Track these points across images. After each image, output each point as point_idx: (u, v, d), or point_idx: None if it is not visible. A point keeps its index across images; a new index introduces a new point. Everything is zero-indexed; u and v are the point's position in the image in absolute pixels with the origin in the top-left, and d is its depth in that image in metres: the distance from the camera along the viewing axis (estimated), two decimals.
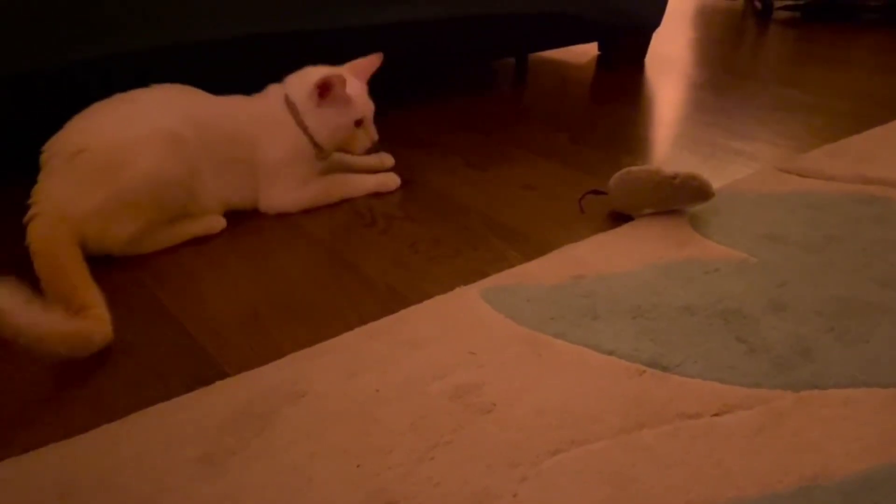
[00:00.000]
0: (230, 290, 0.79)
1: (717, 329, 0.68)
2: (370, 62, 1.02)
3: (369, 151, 1.03)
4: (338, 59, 1.01)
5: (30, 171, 0.83)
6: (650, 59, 1.75)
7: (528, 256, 0.84)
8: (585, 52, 1.81)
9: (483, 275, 0.80)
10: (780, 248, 0.83)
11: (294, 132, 0.96)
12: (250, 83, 0.99)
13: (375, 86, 1.02)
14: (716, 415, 0.58)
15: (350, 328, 0.71)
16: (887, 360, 0.63)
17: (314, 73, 0.96)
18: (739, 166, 1.09)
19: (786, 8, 2.36)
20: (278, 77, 0.99)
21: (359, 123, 0.99)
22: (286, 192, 0.97)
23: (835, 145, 1.13)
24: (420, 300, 0.75)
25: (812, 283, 0.76)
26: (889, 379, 0.61)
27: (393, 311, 0.73)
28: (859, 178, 1.00)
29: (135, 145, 0.83)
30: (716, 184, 1.01)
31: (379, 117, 1.02)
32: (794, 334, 0.67)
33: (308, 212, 0.97)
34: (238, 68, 1.14)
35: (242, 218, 0.95)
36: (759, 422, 0.57)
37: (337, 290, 0.79)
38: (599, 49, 1.79)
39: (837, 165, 1.05)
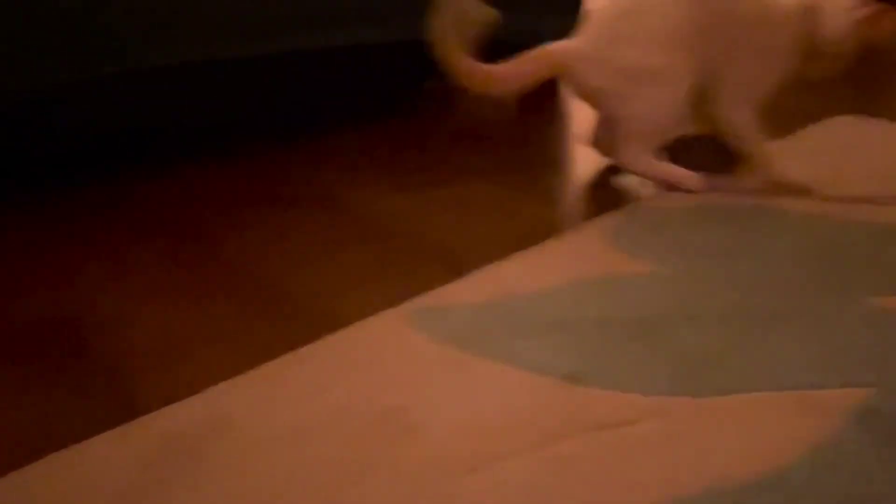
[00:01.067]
0: (152, 319, 0.79)
1: (630, 340, 0.72)
2: None
3: None
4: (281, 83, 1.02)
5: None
6: None
7: (455, 276, 0.87)
8: None
9: (410, 297, 0.82)
10: (689, 258, 0.87)
11: None
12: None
13: (301, 109, 1.04)
14: (627, 424, 0.61)
15: (277, 355, 0.72)
16: (786, 364, 0.67)
17: None
18: None
19: None
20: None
21: None
22: None
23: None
24: (347, 324, 0.77)
25: (719, 292, 0.80)
26: (786, 382, 0.65)
27: (320, 337, 0.75)
28: (762, 189, 1.05)
29: None
30: (632, 199, 1.06)
31: (310, 141, 1.03)
32: (701, 342, 0.71)
33: (237, 238, 0.98)
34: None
35: (170, 249, 0.95)
36: (666, 429, 0.60)
37: (264, 317, 0.80)
38: None
39: (744, 178, 1.10)
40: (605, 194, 1.11)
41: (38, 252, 0.98)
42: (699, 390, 0.65)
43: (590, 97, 1.04)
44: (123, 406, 0.65)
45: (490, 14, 0.95)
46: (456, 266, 0.89)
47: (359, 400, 0.64)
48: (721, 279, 0.83)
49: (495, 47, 1.64)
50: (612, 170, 1.19)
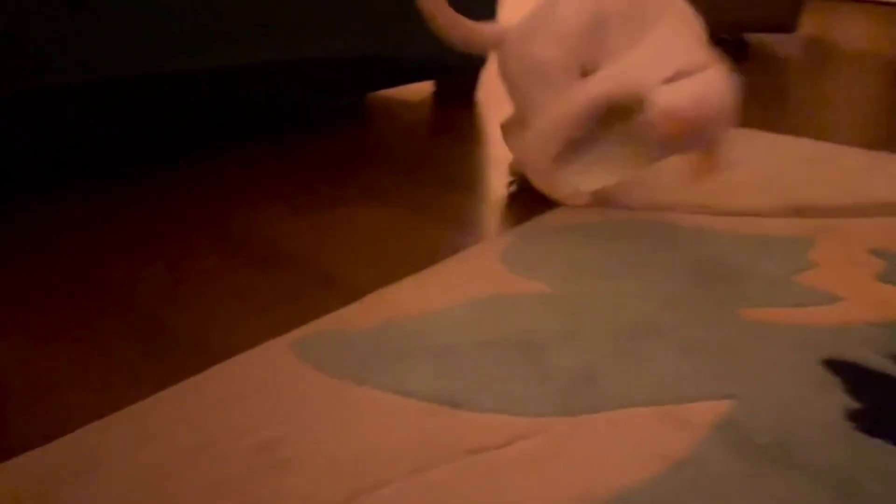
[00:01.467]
0: (12, 355, 0.76)
1: (513, 362, 0.73)
2: None
3: None
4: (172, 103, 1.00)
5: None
6: (486, 95, 1.83)
7: (346, 301, 0.86)
8: (422, 89, 1.87)
9: (298, 324, 0.81)
10: (577, 277, 0.89)
11: None
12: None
13: (199, 131, 1.02)
14: (501, 447, 0.62)
15: (151, 392, 0.70)
16: (658, 379, 0.69)
17: None
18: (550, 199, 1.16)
19: None
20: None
21: None
22: None
23: (637, 174, 1.23)
24: (230, 356, 0.75)
25: (602, 310, 0.82)
26: (657, 397, 0.67)
27: (199, 371, 0.73)
28: (653, 205, 1.09)
29: None
30: (530, 216, 1.08)
31: (210, 163, 1.01)
32: (580, 361, 0.72)
33: (113, 269, 0.95)
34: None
35: (37, 277, 0.91)
36: (539, 449, 0.61)
37: (137, 354, 0.77)
38: (434, 87, 1.85)
39: (636, 194, 1.14)
40: (514, 214, 1.13)
41: None
42: (574, 409, 0.66)
43: (505, 86, 1.03)
44: None
45: None
46: (349, 291, 0.89)
47: (232, 435, 0.63)
48: (607, 296, 0.85)
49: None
50: (523, 190, 1.21)
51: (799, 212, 1.06)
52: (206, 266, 0.96)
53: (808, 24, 2.85)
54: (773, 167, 1.25)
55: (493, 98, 1.81)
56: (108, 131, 1.30)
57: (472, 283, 0.88)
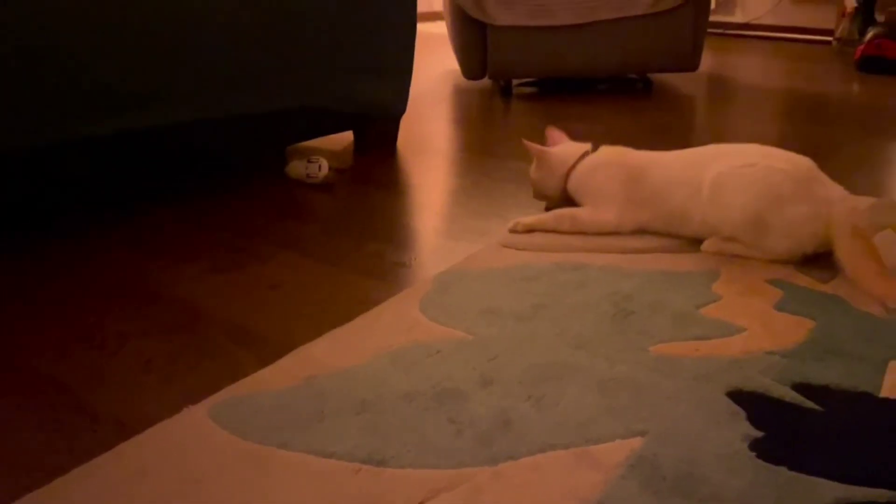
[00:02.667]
0: None
1: (432, 413, 0.74)
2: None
3: None
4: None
5: None
6: (405, 142, 1.86)
7: (266, 361, 0.85)
8: (341, 139, 1.89)
9: (216, 388, 0.80)
10: (495, 321, 0.91)
11: None
12: None
13: (116, 191, 1.00)
14: (426, 502, 0.62)
15: (65, 471, 0.67)
16: (572, 420, 0.71)
17: None
18: (471, 243, 1.19)
19: (524, 84, 2.62)
20: None
21: None
22: None
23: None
24: (146, 428, 0.74)
25: (518, 353, 0.84)
26: (572, 439, 0.69)
27: (115, 445, 0.71)
28: (566, 247, 1.13)
29: None
30: (449, 263, 1.10)
31: (129, 222, 0.99)
32: (498, 407, 0.74)
33: (27, 342, 0.92)
34: None
35: None
36: (462, 501, 0.62)
37: (51, 430, 0.75)
38: (354, 136, 1.87)
39: (550, 236, 1.17)
40: (432, 261, 1.14)
41: None
42: (495, 457, 0.67)
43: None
44: None
45: None
46: (268, 349, 0.88)
47: None
48: (522, 340, 0.87)
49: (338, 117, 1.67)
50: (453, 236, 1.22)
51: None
52: (120, 332, 0.94)
53: (708, 62, 3.01)
54: None
55: (412, 147, 1.84)
56: (19, 195, 1.27)
57: (391, 335, 0.89)
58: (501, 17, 2.29)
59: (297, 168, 1.55)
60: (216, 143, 1.53)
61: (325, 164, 1.53)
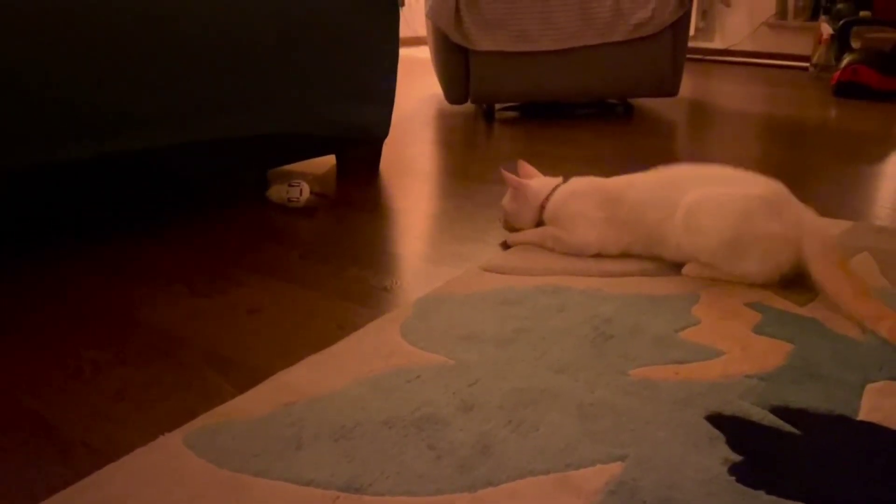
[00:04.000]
0: None
1: (412, 439, 0.73)
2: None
3: None
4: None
5: None
6: (388, 166, 1.87)
7: (243, 387, 0.85)
8: (324, 162, 1.89)
9: (192, 416, 0.79)
10: (476, 346, 0.91)
11: None
12: None
13: (99, 215, 0.99)
14: None
15: (36, 500, 0.66)
16: (552, 446, 0.71)
17: None
18: (452, 267, 1.19)
19: (506, 108, 2.64)
20: None
21: None
22: None
23: None
24: (121, 455, 0.72)
25: (499, 378, 0.83)
26: (552, 465, 0.68)
27: (88, 475, 0.70)
28: (546, 270, 1.13)
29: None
30: (430, 287, 1.10)
31: (109, 247, 0.98)
32: (478, 433, 0.73)
33: (5, 372, 0.90)
34: None
35: None
36: None
37: (23, 459, 0.73)
38: (336, 160, 1.88)
39: (530, 260, 1.18)
40: (412, 285, 1.14)
41: None
42: (474, 483, 0.66)
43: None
44: None
45: None
46: (245, 375, 0.87)
47: None
48: (502, 365, 0.86)
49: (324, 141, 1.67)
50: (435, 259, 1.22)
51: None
52: (95, 359, 0.93)
53: (688, 88, 3.06)
54: None
55: (395, 171, 1.85)
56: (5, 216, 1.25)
57: (371, 360, 0.88)
58: (483, 42, 2.32)
59: (278, 192, 1.55)
60: (197, 166, 1.52)
61: (306, 188, 1.53)
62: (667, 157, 1.97)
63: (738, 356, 0.87)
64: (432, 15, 2.32)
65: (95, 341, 0.97)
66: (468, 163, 1.96)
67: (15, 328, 1.02)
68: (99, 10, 1.19)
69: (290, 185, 1.53)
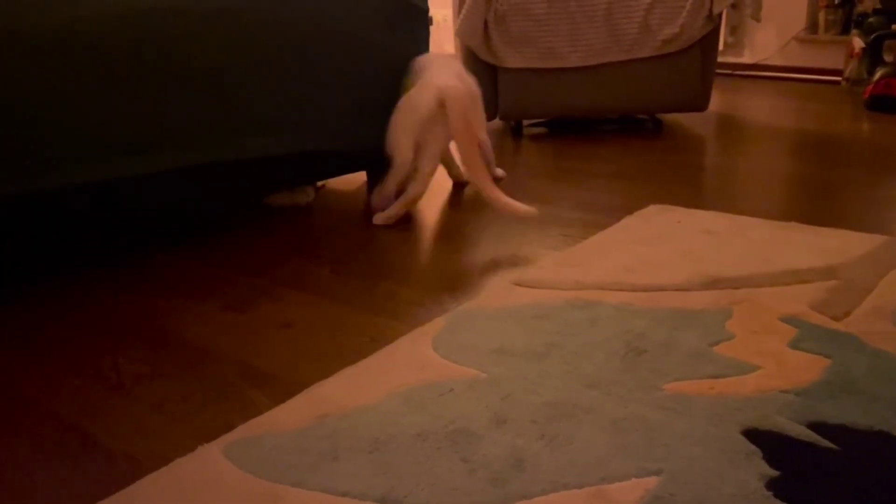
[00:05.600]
0: None
1: (445, 452, 0.73)
2: None
3: None
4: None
5: None
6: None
7: (278, 400, 0.86)
8: (353, 179, 1.91)
9: (230, 428, 0.80)
10: (507, 360, 0.91)
11: None
12: None
13: (132, 231, 1.01)
14: None
15: None
16: (586, 460, 0.71)
17: None
18: (482, 282, 1.19)
19: (534, 125, 2.65)
20: None
21: None
22: None
23: (561, 255, 1.27)
24: (160, 466, 0.74)
25: (531, 392, 0.84)
26: (586, 478, 0.68)
27: (130, 483, 0.71)
28: (577, 284, 1.13)
29: None
30: (461, 302, 1.11)
31: (142, 262, 1.01)
32: (511, 446, 0.74)
33: (35, 379, 0.93)
34: None
35: None
36: None
37: (67, 469, 0.75)
38: (367, 177, 1.90)
39: (561, 274, 1.18)
40: (446, 299, 1.15)
41: None
42: (508, 497, 0.67)
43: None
44: None
45: None
46: (280, 388, 0.89)
47: None
48: (534, 379, 0.87)
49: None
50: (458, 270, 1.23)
51: (715, 283, 1.12)
52: (133, 372, 0.95)
53: (717, 102, 3.04)
54: (688, 241, 1.31)
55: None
56: (36, 237, 1.29)
57: (404, 373, 0.89)
58: (512, 59, 2.33)
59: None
60: (230, 184, 1.55)
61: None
62: (697, 171, 1.97)
63: (773, 371, 0.86)
64: (461, 33, 2.35)
65: (132, 355, 1.00)
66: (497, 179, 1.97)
67: (53, 342, 1.05)
68: (138, 33, 1.22)
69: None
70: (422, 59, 1.63)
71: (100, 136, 1.21)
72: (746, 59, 3.88)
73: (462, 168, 1.26)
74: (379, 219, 1.51)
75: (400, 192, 1.52)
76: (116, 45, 1.20)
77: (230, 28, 1.35)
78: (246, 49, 1.37)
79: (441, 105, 1.45)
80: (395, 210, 1.52)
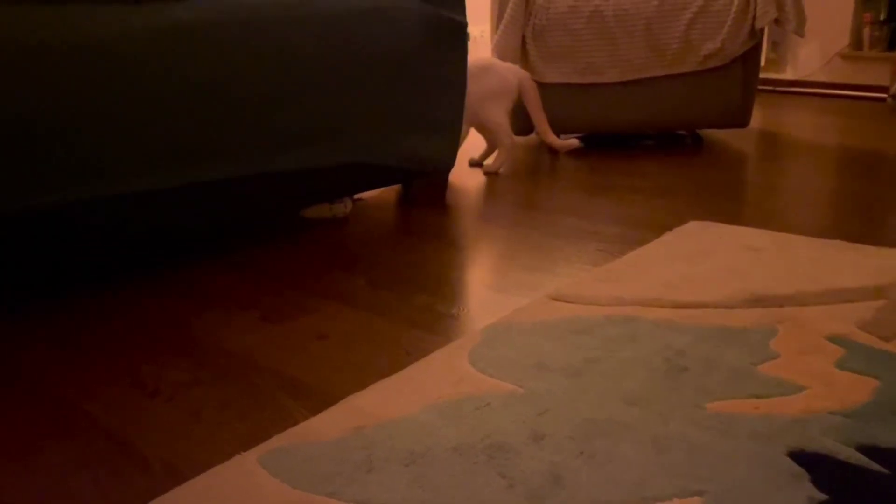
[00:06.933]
0: None
1: (482, 467, 0.72)
2: None
3: None
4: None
5: None
6: (454, 196, 1.89)
7: (315, 410, 0.86)
8: (387, 192, 1.92)
9: (266, 437, 0.80)
10: (545, 375, 0.90)
11: None
12: None
13: (168, 239, 1.03)
14: None
15: None
16: (626, 478, 0.69)
17: None
18: (519, 296, 1.18)
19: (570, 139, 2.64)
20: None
21: None
22: None
23: (600, 270, 1.26)
24: (198, 474, 0.74)
25: (569, 408, 0.82)
26: (626, 497, 0.67)
27: (167, 490, 0.72)
28: (616, 300, 1.11)
29: None
30: (498, 315, 1.10)
31: (179, 272, 1.02)
32: (550, 462, 0.72)
33: (75, 387, 0.94)
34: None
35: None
36: None
37: (104, 475, 0.76)
38: (401, 190, 1.90)
39: (600, 289, 1.16)
40: (481, 312, 1.14)
41: None
42: None
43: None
44: None
45: None
46: (317, 399, 0.89)
47: None
48: (573, 395, 0.85)
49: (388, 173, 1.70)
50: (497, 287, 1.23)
51: (759, 302, 1.09)
52: (173, 379, 0.96)
53: (758, 119, 3.00)
54: (730, 258, 1.28)
55: (460, 200, 1.86)
56: (74, 246, 1.31)
57: (440, 386, 0.88)
58: (549, 74, 2.33)
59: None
60: (268, 197, 1.56)
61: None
62: (738, 187, 1.93)
63: (820, 392, 0.83)
64: (499, 48, 2.35)
65: (174, 363, 1.01)
66: (533, 193, 1.96)
67: (91, 350, 1.06)
68: (181, 47, 1.25)
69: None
70: (481, 60, 2.15)
71: (141, 148, 1.23)
72: (788, 75, 3.82)
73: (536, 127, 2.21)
74: (493, 168, 2.14)
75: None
76: (159, 59, 1.22)
77: (270, 43, 1.37)
78: (286, 63, 1.39)
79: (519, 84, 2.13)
80: (501, 162, 2.15)
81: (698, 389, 0.85)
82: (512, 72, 2.13)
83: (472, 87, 2.02)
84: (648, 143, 2.57)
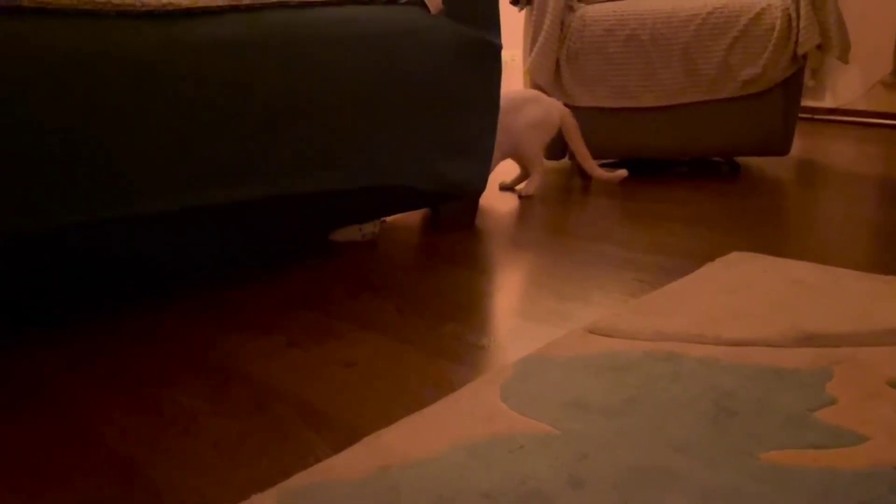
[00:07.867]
0: None
1: None
2: None
3: None
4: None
5: None
6: (484, 221, 1.84)
7: (338, 446, 0.81)
8: (415, 216, 1.88)
9: (286, 475, 0.76)
10: (583, 415, 0.84)
11: None
12: None
13: (195, 263, 0.99)
14: None
15: None
16: None
17: None
18: (552, 327, 1.13)
19: (604, 165, 2.58)
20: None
21: None
22: None
23: (638, 302, 1.20)
24: None
25: (610, 453, 0.76)
26: None
27: None
28: (657, 335, 1.05)
29: None
30: (530, 347, 1.04)
31: (199, 293, 0.98)
32: None
33: (93, 413, 0.90)
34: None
35: (25, 436, 0.86)
36: None
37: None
38: (429, 214, 1.86)
39: (639, 323, 1.10)
40: (513, 345, 1.09)
41: None
42: None
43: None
44: None
45: None
46: (341, 432, 0.84)
47: None
48: (613, 438, 0.79)
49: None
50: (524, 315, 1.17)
51: (811, 340, 1.02)
52: (191, 407, 0.92)
53: (797, 147, 2.92)
54: (777, 292, 1.22)
55: (490, 226, 1.82)
56: (100, 267, 1.29)
57: (470, 424, 0.83)
58: (583, 98, 2.28)
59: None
60: (296, 218, 1.53)
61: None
62: (780, 217, 1.86)
63: (884, 443, 0.77)
64: (533, 70, 2.32)
65: (191, 389, 0.97)
66: (565, 218, 1.91)
67: (111, 373, 1.03)
68: (227, 64, 1.22)
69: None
70: (527, 91, 2.20)
71: (178, 167, 1.21)
72: (828, 103, 3.74)
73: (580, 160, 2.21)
74: (529, 191, 2.12)
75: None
76: (202, 75, 1.20)
77: (305, 62, 1.34)
78: (320, 85, 1.36)
79: (561, 120, 2.14)
80: (535, 187, 2.15)
81: (750, 436, 0.78)
82: (556, 107, 2.14)
83: (516, 118, 2.04)
84: (682, 169, 2.50)
